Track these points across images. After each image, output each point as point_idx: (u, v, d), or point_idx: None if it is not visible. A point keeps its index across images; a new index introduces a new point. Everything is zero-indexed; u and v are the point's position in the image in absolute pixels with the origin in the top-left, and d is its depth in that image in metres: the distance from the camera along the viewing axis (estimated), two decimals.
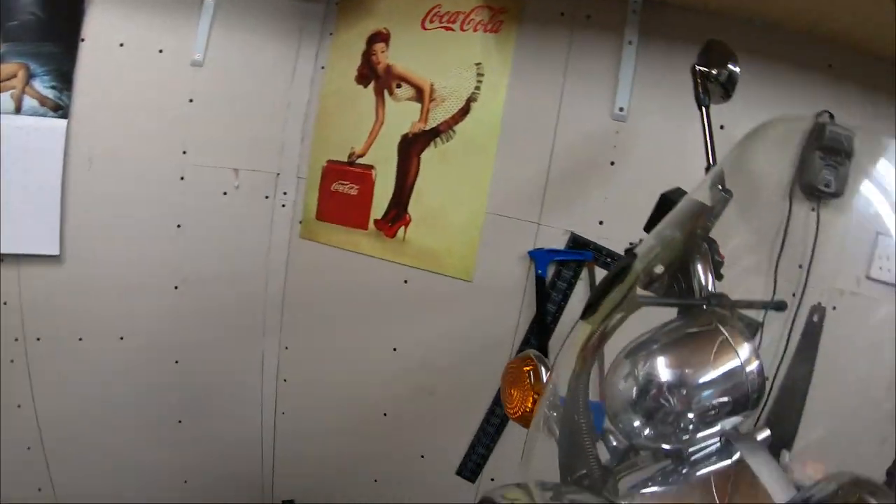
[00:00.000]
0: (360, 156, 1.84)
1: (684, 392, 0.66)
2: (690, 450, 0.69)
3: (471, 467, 1.79)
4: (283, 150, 1.94)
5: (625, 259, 0.79)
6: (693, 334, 0.73)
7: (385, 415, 1.89)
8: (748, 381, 0.67)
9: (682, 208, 0.83)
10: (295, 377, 2.02)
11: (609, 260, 1.59)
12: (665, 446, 0.70)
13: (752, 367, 0.68)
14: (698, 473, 0.69)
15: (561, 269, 1.63)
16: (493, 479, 1.79)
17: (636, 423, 0.68)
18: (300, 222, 1.95)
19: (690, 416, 0.66)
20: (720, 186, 0.82)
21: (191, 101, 1.80)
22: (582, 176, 1.62)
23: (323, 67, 1.92)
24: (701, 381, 0.67)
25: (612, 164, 1.59)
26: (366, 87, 1.83)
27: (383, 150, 1.80)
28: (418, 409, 1.84)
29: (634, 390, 0.68)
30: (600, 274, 1.60)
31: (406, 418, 1.87)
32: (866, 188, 0.99)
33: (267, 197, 1.95)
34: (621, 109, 1.57)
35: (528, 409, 0.95)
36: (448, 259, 1.72)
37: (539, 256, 1.62)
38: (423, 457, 1.87)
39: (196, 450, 2.00)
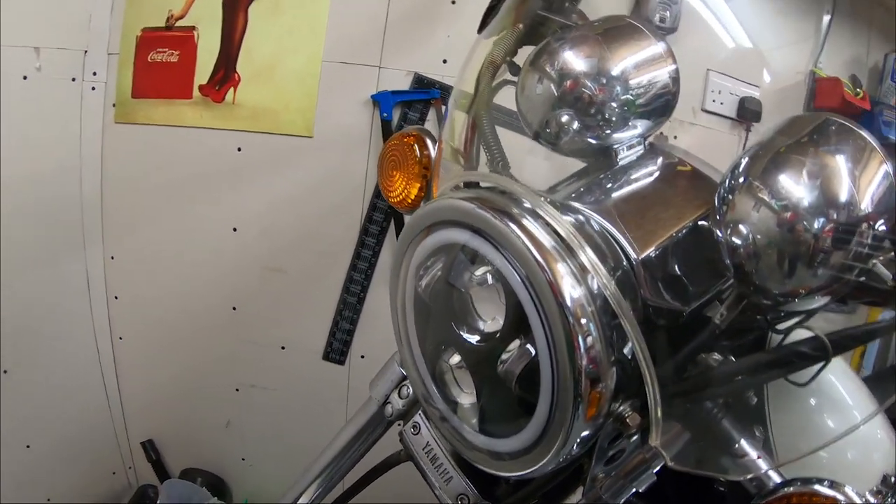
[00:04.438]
0: (180, 17, 1.63)
1: (603, 80, 0.68)
2: (616, 147, 0.72)
3: (337, 348, 1.63)
4: (90, 23, 1.68)
5: None
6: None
7: (234, 309, 1.67)
8: (668, 77, 0.70)
9: None
10: (127, 292, 1.74)
11: None
12: (592, 140, 0.71)
13: (669, 66, 0.71)
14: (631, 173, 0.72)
15: (407, 111, 1.53)
16: (363, 357, 1.62)
17: (564, 119, 0.68)
18: (114, 105, 1.69)
19: (613, 105, 0.68)
20: None
21: None
22: (422, 15, 1.54)
23: None
24: (617, 70, 0.68)
25: (454, 2, 1.53)
26: None
27: (206, 7, 1.61)
28: (270, 295, 1.65)
29: (552, 87, 0.68)
30: None
31: (258, 308, 1.67)
32: (698, 24, 1.03)
33: (74, 79, 1.67)
34: None
35: (420, 184, 0.86)
36: (285, 115, 1.56)
37: (383, 99, 1.51)
38: (283, 348, 1.67)
39: (30, 404, 1.67)
